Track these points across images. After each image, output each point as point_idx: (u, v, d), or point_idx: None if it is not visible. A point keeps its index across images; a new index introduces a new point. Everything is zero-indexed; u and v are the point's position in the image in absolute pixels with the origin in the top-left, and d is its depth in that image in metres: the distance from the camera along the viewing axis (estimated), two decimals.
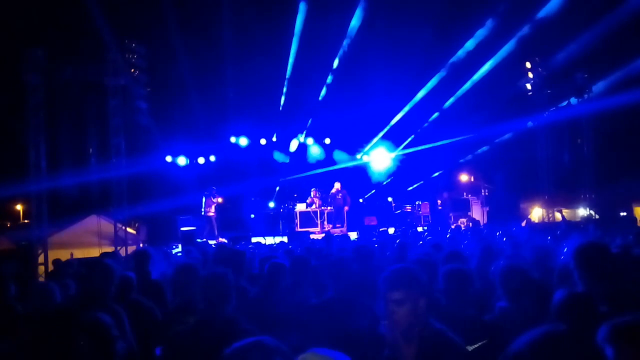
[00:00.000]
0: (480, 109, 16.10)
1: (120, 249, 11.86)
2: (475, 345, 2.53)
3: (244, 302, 3.77)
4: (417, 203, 17.67)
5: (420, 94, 16.63)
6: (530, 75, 14.62)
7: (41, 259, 11.45)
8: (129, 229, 12.98)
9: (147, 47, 12.63)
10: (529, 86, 14.71)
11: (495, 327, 2.89)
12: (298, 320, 3.15)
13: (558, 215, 13.66)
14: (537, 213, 17.62)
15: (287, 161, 18.68)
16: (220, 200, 15.06)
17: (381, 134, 18.27)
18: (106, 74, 11.89)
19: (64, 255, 9.92)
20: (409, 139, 18.46)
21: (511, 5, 13.21)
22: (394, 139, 18.54)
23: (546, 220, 14.99)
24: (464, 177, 21.31)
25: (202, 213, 14.73)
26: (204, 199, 14.77)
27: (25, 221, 25.12)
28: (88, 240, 12.42)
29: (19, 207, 30.36)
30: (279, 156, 18.67)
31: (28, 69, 11.13)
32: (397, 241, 7.63)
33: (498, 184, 18.49)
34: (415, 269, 2.43)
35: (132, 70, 12.27)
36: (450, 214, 17.34)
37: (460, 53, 14.99)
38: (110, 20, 11.47)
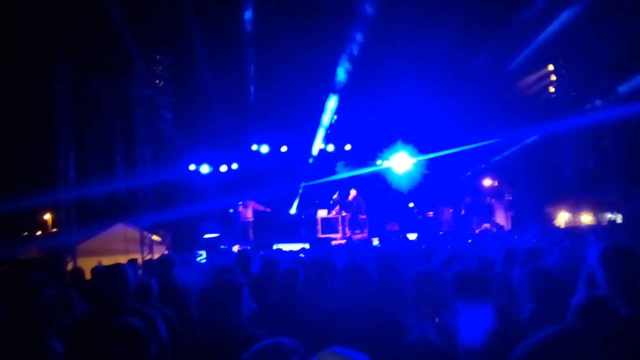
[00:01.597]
0: (504, 112, 15.92)
1: (146, 256, 12.10)
2: None
3: (263, 306, 3.84)
4: (439, 208, 17.52)
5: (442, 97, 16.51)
6: (554, 77, 14.43)
7: (70, 266, 11.75)
8: (154, 237, 13.23)
9: (171, 58, 12.93)
10: (552, 89, 14.51)
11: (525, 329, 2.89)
12: (314, 325, 3.19)
13: (585, 220, 13.39)
14: (562, 217, 17.27)
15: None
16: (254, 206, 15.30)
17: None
18: (132, 86, 12.21)
19: (92, 262, 10.15)
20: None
21: (534, 7, 13.08)
22: (415, 143, 18.44)
23: (572, 224, 14.71)
24: (487, 182, 21.03)
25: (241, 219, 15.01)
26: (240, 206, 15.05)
27: (54, 230, 25.76)
28: (115, 248, 12.68)
29: (47, 216, 31.16)
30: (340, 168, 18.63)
31: (57, 82, 11.49)
32: (423, 246, 7.61)
33: (522, 189, 18.20)
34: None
35: (157, 81, 12.58)
36: (474, 219, 17.13)
37: (483, 55, 14.85)
38: (135, 33, 11.79)
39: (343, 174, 18.25)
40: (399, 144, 18.29)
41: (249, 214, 14.92)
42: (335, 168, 18.39)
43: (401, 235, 13.72)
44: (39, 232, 30.14)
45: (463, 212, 18.04)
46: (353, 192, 16.01)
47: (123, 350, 2.14)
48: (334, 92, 16.58)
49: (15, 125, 13.91)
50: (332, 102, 16.73)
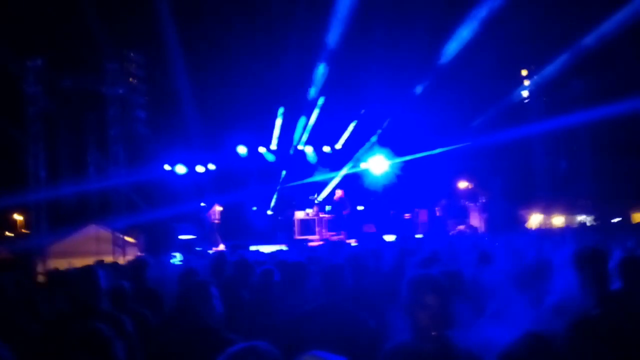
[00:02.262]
0: (478, 115, 16.19)
1: (119, 257, 11.87)
2: None
3: (238, 308, 3.81)
4: (415, 210, 17.70)
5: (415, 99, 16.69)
6: (527, 82, 14.75)
7: (40, 268, 11.44)
8: (127, 238, 13.00)
9: (145, 56, 12.73)
10: (525, 93, 14.83)
11: None
12: (289, 326, 3.18)
13: (556, 222, 13.72)
14: (535, 219, 17.64)
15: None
16: (220, 208, 15.12)
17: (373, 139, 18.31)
18: (105, 84, 11.99)
19: (62, 264, 9.92)
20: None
21: (508, 11, 13.32)
22: (391, 146, 18.61)
23: (544, 227, 15.04)
24: (462, 184, 21.35)
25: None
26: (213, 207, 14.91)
27: (25, 231, 25.10)
28: (87, 250, 12.39)
29: (18, 216, 30.34)
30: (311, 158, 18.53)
31: (28, 80, 11.21)
32: (400, 248, 7.66)
33: (496, 191, 18.51)
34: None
35: (131, 79, 12.37)
36: (449, 221, 17.35)
37: (455, 57, 15.02)
38: (109, 30, 11.58)
39: (321, 176, 18.28)
40: (375, 146, 18.43)
41: (215, 216, 14.80)
42: (314, 171, 18.41)
43: (378, 237, 13.83)
44: (8, 233, 29.29)
45: (439, 214, 18.26)
46: (339, 192, 16.01)
47: (88, 357, 2.08)
48: (312, 93, 16.62)
49: None
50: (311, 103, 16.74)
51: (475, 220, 17.38)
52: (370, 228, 16.04)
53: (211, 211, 14.85)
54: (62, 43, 12.55)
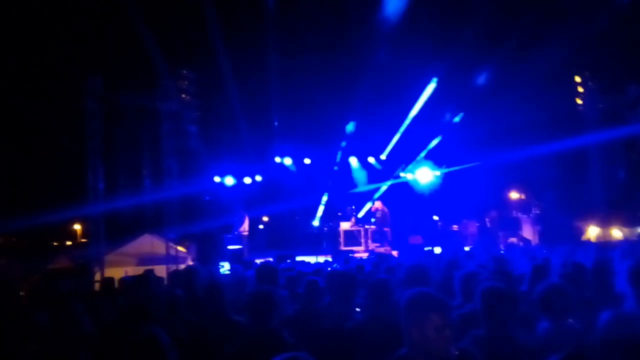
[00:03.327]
0: (530, 125, 15.68)
1: (172, 267, 12.27)
2: None
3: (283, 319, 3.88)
4: (464, 221, 17.30)
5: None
6: (581, 89, 14.17)
7: (98, 276, 12.01)
8: (179, 248, 13.43)
9: (197, 73, 13.22)
10: (579, 101, 14.24)
11: (532, 350, 2.83)
12: (333, 339, 3.20)
13: (615, 234, 13.02)
14: (592, 232, 16.82)
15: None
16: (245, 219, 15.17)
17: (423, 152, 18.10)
18: (159, 100, 12.51)
19: (119, 273, 10.37)
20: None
21: (560, 16, 12.90)
22: (437, 157, 18.34)
23: (602, 239, 14.31)
24: (513, 195, 20.69)
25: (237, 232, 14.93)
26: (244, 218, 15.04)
27: (84, 240, 26.39)
28: (142, 259, 12.91)
29: (77, 226, 31.98)
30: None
31: (87, 97, 11.85)
32: (446, 260, 7.53)
33: (550, 202, 17.82)
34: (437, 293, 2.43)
35: (183, 95, 12.86)
36: (500, 233, 16.83)
37: (506, 65, 14.66)
38: (162, 49, 12.12)
39: (364, 187, 18.24)
40: (421, 157, 18.21)
41: (244, 227, 14.92)
42: (355, 181, 18.38)
43: (426, 248, 13.60)
44: (69, 243, 30.94)
45: (489, 225, 17.75)
46: (378, 204, 15.94)
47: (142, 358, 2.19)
48: (356, 105, 16.66)
49: (48, 139, 14.39)
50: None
51: (528, 233, 16.77)
52: (416, 239, 15.80)
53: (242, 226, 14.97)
54: (119, 62, 13.26)
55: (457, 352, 2.21)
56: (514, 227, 17.05)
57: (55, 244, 29.76)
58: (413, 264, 4.93)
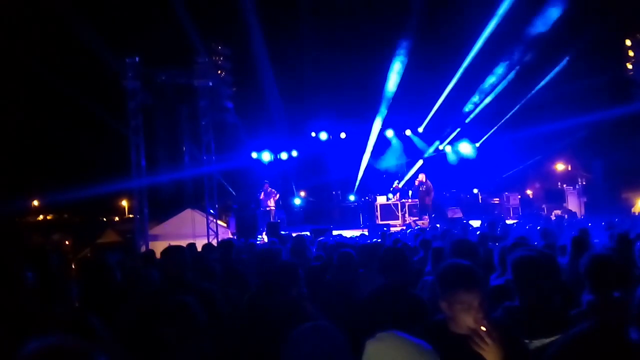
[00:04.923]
0: (576, 93, 14.97)
1: (212, 239, 12.65)
2: (545, 341, 2.43)
3: (320, 288, 3.95)
4: (505, 194, 16.89)
5: (509, 76, 15.71)
6: (631, 53, 13.35)
7: (143, 249, 12.54)
8: (219, 222, 13.80)
9: (232, 49, 13.27)
10: (629, 66, 13.44)
11: (570, 322, 2.75)
12: (360, 305, 3.24)
13: None
14: None
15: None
16: (273, 195, 15.11)
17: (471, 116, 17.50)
18: (195, 77, 12.67)
19: (162, 246, 10.78)
20: (494, 128, 17.61)
21: None
22: (477, 129, 17.83)
23: None
24: (559, 166, 19.99)
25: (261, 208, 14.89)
26: (262, 193, 15.01)
27: (130, 216, 27.48)
28: (184, 232, 13.35)
29: (124, 202, 33.34)
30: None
31: (127, 76, 12.15)
32: (478, 233, 7.41)
33: (597, 173, 17.11)
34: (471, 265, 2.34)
35: (219, 71, 12.97)
36: (543, 206, 16.36)
37: (551, 28, 13.88)
38: (197, 26, 12.22)
39: (402, 161, 18.01)
40: (459, 130, 17.77)
41: (270, 203, 14.88)
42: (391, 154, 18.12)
43: (464, 221, 13.39)
44: (116, 218, 32.34)
45: (532, 197, 17.28)
46: (421, 176, 15.71)
47: (173, 326, 2.29)
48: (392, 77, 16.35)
49: (92, 117, 14.91)
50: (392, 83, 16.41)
51: (574, 205, 16.22)
52: (455, 212, 15.56)
53: (265, 197, 14.93)
54: (156, 41, 13.47)
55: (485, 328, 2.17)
56: (559, 199, 16.52)
57: (103, 219, 31.19)
58: (459, 238, 4.86)
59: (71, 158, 21.46)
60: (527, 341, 2.37)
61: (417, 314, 2.80)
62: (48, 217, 33.67)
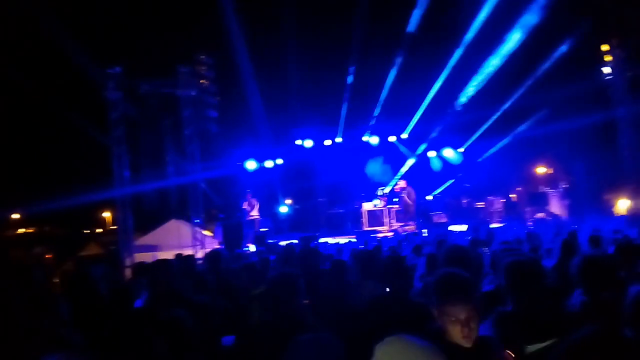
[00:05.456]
0: (558, 96, 15.24)
1: (199, 250, 12.51)
2: (541, 345, 2.44)
3: (314, 297, 3.92)
4: (489, 198, 17.07)
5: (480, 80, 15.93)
6: (608, 58, 13.66)
7: (128, 261, 12.35)
8: (205, 231, 13.66)
9: (215, 58, 13.23)
10: (607, 70, 13.74)
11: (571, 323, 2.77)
12: (359, 313, 3.22)
13: None
14: (623, 204, 16.40)
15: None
16: (255, 204, 15.06)
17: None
18: (179, 87, 12.60)
19: (147, 258, 10.62)
20: (475, 136, 17.84)
21: None
22: (459, 134, 18.04)
23: (633, 212, 13.94)
24: (540, 169, 20.28)
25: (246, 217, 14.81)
26: (245, 204, 14.93)
27: (113, 227, 27.08)
28: (169, 243, 13.20)
29: (106, 214, 32.85)
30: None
31: (109, 87, 12.04)
32: (469, 238, 7.46)
33: (579, 176, 17.41)
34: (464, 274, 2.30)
35: (202, 81, 12.91)
36: (527, 209, 16.57)
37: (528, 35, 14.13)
38: (179, 36, 12.17)
39: (386, 167, 18.09)
40: (443, 136, 17.94)
41: (254, 212, 14.86)
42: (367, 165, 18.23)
43: (447, 227, 13.50)
44: (99, 230, 31.83)
45: (515, 201, 17.49)
46: (402, 183, 15.81)
47: (166, 342, 2.25)
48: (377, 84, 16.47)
49: (74, 129, 14.69)
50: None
51: (556, 207, 16.46)
52: (440, 217, 15.67)
53: (248, 206, 14.90)
54: (138, 51, 13.37)
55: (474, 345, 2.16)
56: (542, 202, 16.75)
57: (86, 231, 30.68)
58: (453, 244, 4.88)
59: (53, 170, 21.10)
60: (523, 346, 2.38)
61: (421, 321, 2.79)
62: (29, 230, 32.98)
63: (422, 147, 18.28)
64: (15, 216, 30.12)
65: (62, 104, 13.81)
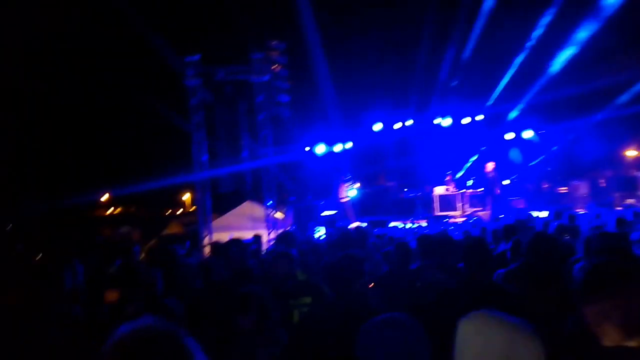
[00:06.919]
0: None
1: (271, 232, 12.91)
2: None
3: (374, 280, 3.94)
4: (573, 183, 16.05)
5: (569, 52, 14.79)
6: None
7: (206, 241, 13.01)
8: (277, 214, 14.04)
9: (287, 43, 13.41)
10: None
11: None
12: (424, 299, 3.19)
13: None
14: None
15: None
16: (355, 187, 15.33)
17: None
18: (252, 73, 12.92)
19: (224, 237, 11.12)
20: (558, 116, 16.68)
21: None
22: (543, 112, 16.97)
23: None
24: (631, 152, 18.76)
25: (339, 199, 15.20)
26: (340, 186, 15.27)
27: (192, 209, 28.58)
28: (244, 224, 13.71)
29: (186, 196, 34.70)
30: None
31: (188, 74, 12.59)
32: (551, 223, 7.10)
33: None
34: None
35: (274, 66, 13.15)
36: (615, 194, 15.42)
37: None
38: (252, 23, 12.44)
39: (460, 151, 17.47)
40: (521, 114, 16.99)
41: (344, 194, 15.04)
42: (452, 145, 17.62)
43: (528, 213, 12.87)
44: (179, 211, 33.73)
45: (602, 185, 16.32)
46: (490, 165, 15.20)
47: (250, 315, 2.35)
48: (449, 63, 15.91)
49: (157, 116, 15.60)
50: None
51: None
52: (519, 203, 14.99)
53: (341, 191, 15.15)
54: (214, 39, 13.85)
55: None
56: (632, 187, 15.50)
57: (167, 212, 32.63)
58: (538, 231, 4.66)
59: (138, 155, 22.58)
60: None
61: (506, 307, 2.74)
62: (116, 211, 35.64)
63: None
64: (104, 198, 32.61)
65: (147, 92, 14.69)
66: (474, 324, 1.44)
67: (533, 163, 17.40)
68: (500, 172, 15.28)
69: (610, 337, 1.62)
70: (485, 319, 1.45)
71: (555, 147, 17.36)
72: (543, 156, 17.55)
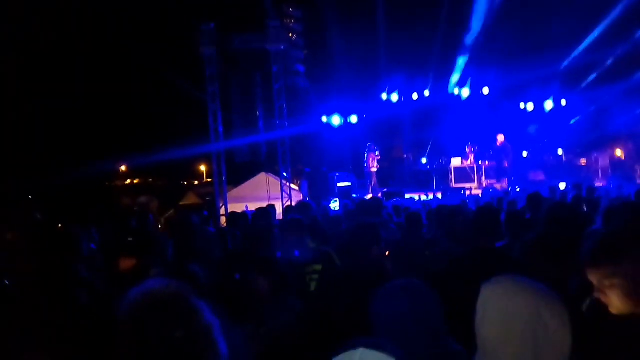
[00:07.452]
0: None
1: (286, 202, 12.98)
2: None
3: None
4: (594, 155, 15.73)
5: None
6: None
7: (222, 211, 13.16)
8: (292, 185, 14.08)
9: (302, 11, 13.15)
10: None
11: None
12: (434, 268, 3.19)
13: None
14: None
15: None
16: (375, 157, 15.36)
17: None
18: (268, 41, 12.71)
19: (239, 208, 11.24)
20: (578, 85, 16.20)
21: None
22: (564, 78, 16.47)
23: None
24: None
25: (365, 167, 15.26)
26: (365, 155, 15.27)
27: (208, 180, 28.86)
28: (259, 195, 13.80)
29: (202, 167, 35.00)
30: None
31: (203, 43, 12.42)
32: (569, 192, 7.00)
33: None
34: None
35: (290, 34, 12.94)
36: (637, 167, 15.10)
37: None
38: None
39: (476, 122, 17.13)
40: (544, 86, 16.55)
41: (373, 164, 15.06)
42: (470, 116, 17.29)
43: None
44: (196, 182, 34.11)
45: (623, 158, 15.97)
46: (501, 138, 15.00)
47: (267, 280, 2.38)
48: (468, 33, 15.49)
49: (171, 85, 15.58)
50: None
51: None
52: (537, 175, 14.77)
53: (369, 159, 15.18)
54: (228, 6, 13.63)
55: None
56: None
57: (184, 183, 33.03)
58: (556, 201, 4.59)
59: (155, 126, 22.74)
60: None
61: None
62: (135, 181, 36.19)
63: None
64: (123, 168, 33.08)
65: (163, 62, 14.63)
66: (499, 288, 1.40)
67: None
68: (514, 144, 15.04)
69: (615, 305, 1.58)
70: (510, 283, 1.40)
71: (577, 118, 16.97)
72: (563, 126, 17.18)
